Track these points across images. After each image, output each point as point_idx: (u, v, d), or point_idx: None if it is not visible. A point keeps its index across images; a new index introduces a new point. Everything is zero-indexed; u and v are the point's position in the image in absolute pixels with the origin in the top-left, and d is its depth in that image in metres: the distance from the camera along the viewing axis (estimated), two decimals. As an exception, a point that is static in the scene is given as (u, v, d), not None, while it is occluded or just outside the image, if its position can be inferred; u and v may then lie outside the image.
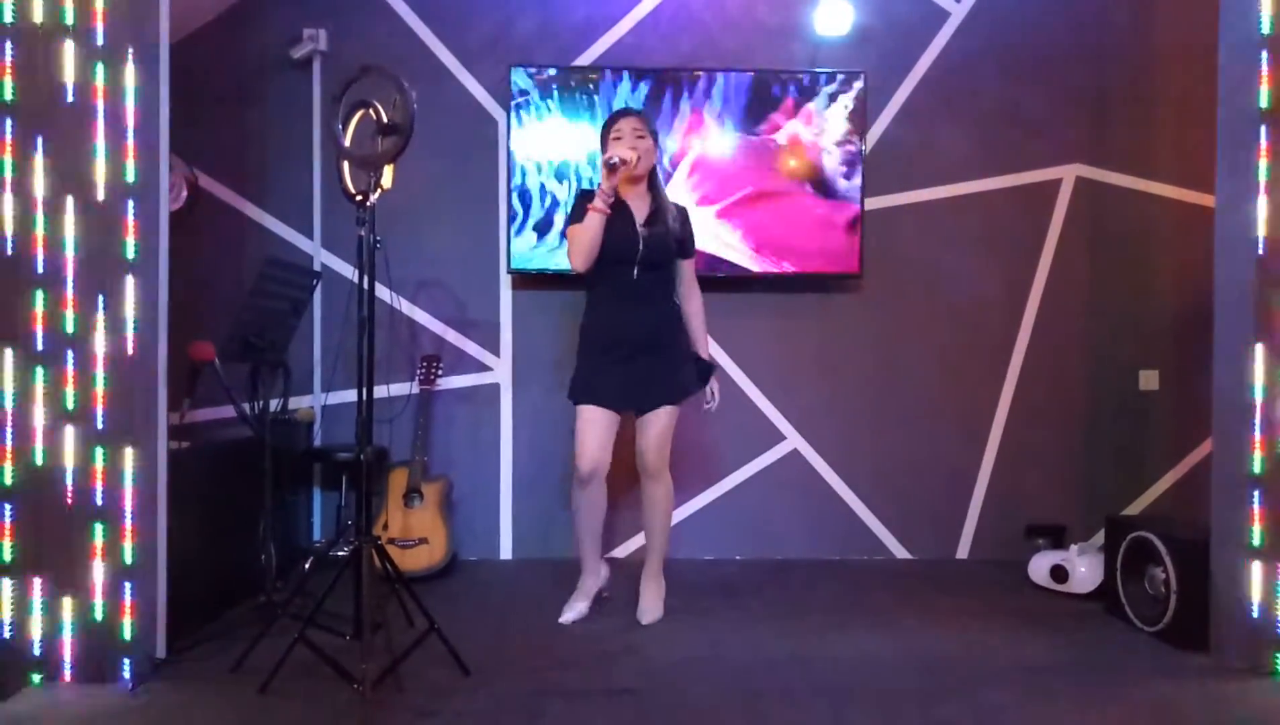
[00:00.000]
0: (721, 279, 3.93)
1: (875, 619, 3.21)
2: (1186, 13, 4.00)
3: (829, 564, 3.98)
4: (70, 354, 2.55)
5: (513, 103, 3.88)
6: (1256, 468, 2.73)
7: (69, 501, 2.54)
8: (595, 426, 3.06)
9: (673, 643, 2.95)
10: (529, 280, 4.00)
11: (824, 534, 4.09)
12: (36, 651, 2.55)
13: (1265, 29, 2.72)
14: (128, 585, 2.57)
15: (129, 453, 2.57)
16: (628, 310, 3.07)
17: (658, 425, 3.09)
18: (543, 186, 3.88)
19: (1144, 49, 4.11)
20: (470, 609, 3.27)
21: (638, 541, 3.92)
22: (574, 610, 3.16)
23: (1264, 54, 2.71)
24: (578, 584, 3.24)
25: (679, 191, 3.87)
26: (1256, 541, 2.72)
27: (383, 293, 3.73)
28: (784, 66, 3.99)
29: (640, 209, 3.11)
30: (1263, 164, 2.72)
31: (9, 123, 2.55)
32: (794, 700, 2.49)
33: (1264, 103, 2.71)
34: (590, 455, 3.04)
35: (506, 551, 4.06)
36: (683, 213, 3.22)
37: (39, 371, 2.55)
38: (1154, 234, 4.11)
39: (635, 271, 3.05)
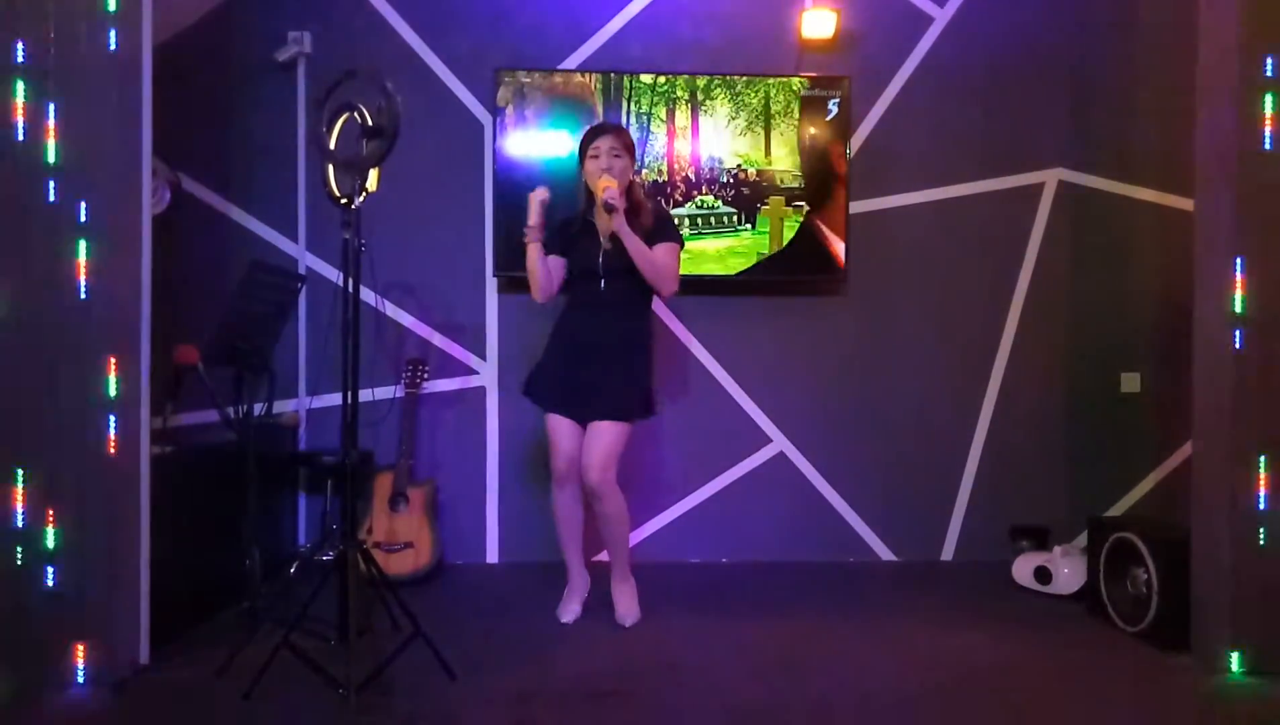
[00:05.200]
0: (706, 281, 3.94)
1: (859, 621, 3.22)
2: (1168, 17, 4.03)
3: (814, 566, 3.99)
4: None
5: (498, 106, 3.88)
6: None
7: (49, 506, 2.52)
8: (563, 425, 3.10)
9: (658, 645, 2.95)
10: (515, 284, 4.00)
11: (809, 536, 4.10)
12: (18, 656, 2.51)
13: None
14: (109, 588, 2.55)
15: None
16: (589, 319, 3.13)
17: (601, 441, 3.02)
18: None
19: (1125, 54, 4.15)
20: (456, 613, 3.26)
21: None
22: (569, 613, 3.18)
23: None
24: (568, 589, 3.25)
25: (661, 193, 3.89)
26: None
27: (368, 296, 3.72)
28: (769, 71, 4.01)
29: (608, 224, 3.06)
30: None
31: None
32: (779, 702, 2.50)
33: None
34: (564, 453, 3.08)
35: (493, 555, 4.05)
36: (659, 213, 3.20)
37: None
38: (1135, 237, 4.15)
39: (602, 283, 3.09)
